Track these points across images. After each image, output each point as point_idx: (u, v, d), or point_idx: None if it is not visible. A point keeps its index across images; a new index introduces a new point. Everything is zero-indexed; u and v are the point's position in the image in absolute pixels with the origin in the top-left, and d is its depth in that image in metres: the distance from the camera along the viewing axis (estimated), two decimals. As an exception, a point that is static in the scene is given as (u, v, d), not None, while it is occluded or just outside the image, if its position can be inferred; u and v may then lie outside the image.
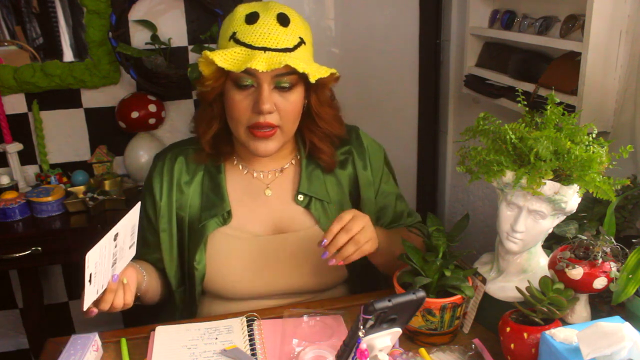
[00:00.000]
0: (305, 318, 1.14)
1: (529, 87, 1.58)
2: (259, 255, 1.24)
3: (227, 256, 1.23)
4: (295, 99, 1.16)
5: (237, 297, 1.25)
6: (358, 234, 1.07)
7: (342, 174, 1.31)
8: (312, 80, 1.10)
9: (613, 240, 1.00)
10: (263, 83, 1.12)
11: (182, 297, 1.30)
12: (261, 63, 1.07)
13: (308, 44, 1.17)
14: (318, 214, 1.26)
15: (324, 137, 1.27)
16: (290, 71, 1.10)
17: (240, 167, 1.28)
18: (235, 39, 1.12)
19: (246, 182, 1.28)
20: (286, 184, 1.29)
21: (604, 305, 1.06)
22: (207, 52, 1.10)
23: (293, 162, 1.30)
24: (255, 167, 1.28)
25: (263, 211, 1.27)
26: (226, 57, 1.10)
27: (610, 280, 0.97)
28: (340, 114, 1.29)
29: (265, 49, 1.09)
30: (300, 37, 1.14)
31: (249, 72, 1.10)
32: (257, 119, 1.13)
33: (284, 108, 1.15)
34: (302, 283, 1.26)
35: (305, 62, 1.11)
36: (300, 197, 1.26)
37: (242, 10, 1.15)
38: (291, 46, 1.11)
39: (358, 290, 1.33)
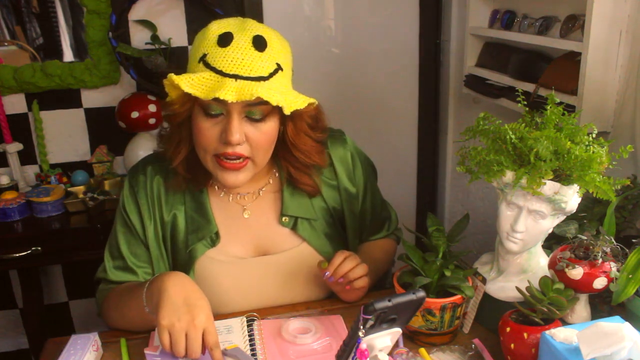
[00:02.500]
0: (305, 318, 1.14)
1: (529, 87, 1.58)
2: (244, 279, 1.20)
3: (213, 280, 1.19)
4: (268, 129, 1.08)
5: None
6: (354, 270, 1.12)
7: (325, 188, 1.25)
8: (287, 112, 1.02)
9: (613, 240, 1.00)
10: (232, 112, 1.04)
11: None
12: (230, 93, 0.98)
13: (286, 69, 1.08)
14: (306, 233, 1.22)
15: (301, 167, 1.19)
16: (263, 102, 1.00)
17: (217, 187, 1.22)
18: (205, 62, 1.03)
19: (224, 204, 1.22)
20: (266, 206, 1.23)
21: (604, 305, 1.06)
22: (173, 76, 1.01)
23: (271, 181, 1.24)
24: (232, 189, 1.22)
25: (244, 233, 1.22)
26: (193, 82, 1.01)
27: (610, 280, 0.97)
28: (319, 141, 1.20)
29: (236, 77, 1.01)
30: (277, 63, 1.05)
31: (217, 100, 1.00)
32: (225, 148, 1.06)
33: (255, 139, 1.07)
34: (291, 300, 1.23)
35: (280, 92, 1.03)
36: (285, 219, 1.22)
37: (215, 29, 1.06)
38: (266, 74, 1.03)
39: None
